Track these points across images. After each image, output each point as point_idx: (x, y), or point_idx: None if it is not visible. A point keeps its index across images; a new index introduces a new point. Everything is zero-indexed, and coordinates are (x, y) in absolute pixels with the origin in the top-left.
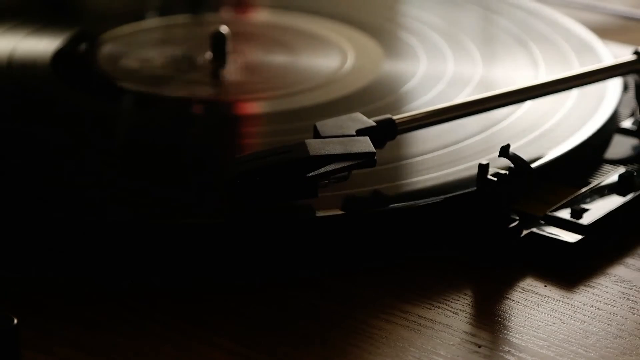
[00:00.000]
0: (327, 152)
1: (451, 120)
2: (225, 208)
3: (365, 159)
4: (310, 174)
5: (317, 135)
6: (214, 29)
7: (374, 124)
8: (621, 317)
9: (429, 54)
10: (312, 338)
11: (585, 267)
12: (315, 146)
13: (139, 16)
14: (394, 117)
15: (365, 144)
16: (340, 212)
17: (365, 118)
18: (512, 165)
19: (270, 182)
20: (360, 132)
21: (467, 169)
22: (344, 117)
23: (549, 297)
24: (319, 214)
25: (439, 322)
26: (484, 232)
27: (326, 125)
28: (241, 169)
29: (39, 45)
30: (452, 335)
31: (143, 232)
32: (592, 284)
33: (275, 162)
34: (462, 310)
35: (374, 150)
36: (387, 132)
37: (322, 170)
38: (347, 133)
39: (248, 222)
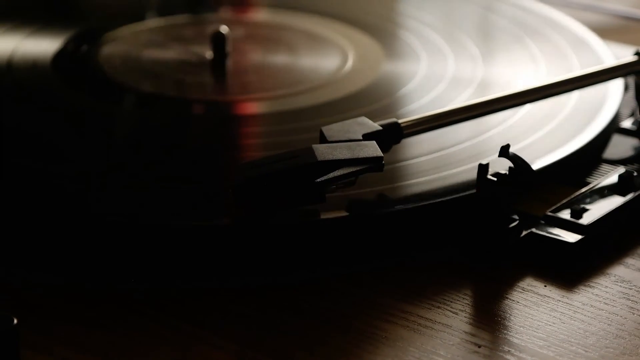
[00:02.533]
0: (335, 157)
1: (456, 123)
2: (228, 210)
3: (373, 163)
4: (319, 180)
5: (323, 140)
6: (214, 29)
7: (380, 128)
8: (621, 317)
9: (430, 54)
10: (313, 338)
11: (585, 267)
12: (323, 151)
13: (139, 17)
14: (400, 121)
15: (372, 149)
16: (341, 215)
17: (371, 122)
18: (512, 165)
19: (278, 188)
20: (367, 137)
21: (468, 170)
22: (350, 122)
23: (548, 297)
24: (320, 216)
25: (439, 322)
26: (484, 232)
27: (332, 129)
28: (248, 175)
29: (39, 45)
30: (452, 335)
31: (144, 233)
32: (592, 284)
33: (282, 168)
34: (462, 310)
35: (382, 155)
36: (393, 136)
37: (331, 175)
38: (354, 137)
39: (251, 223)
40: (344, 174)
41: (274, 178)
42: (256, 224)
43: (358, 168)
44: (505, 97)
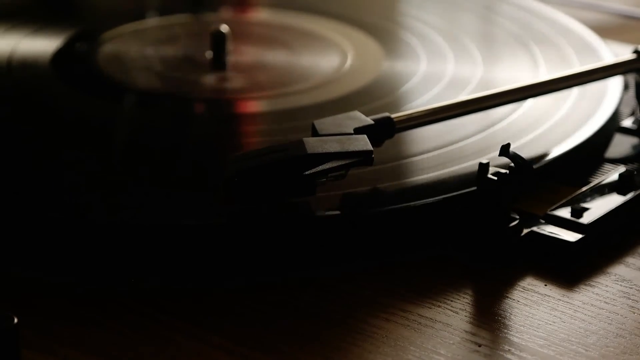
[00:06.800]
0: (324, 150)
1: (450, 118)
2: (224, 208)
3: (363, 157)
4: (307, 172)
5: (315, 133)
6: (214, 28)
7: (372, 122)
8: (621, 316)
9: (429, 53)
10: (313, 337)
11: (586, 266)
12: (313, 144)
13: (139, 16)
14: (392, 116)
15: (362, 142)
16: (340, 212)
17: (363, 116)
18: (512, 164)
19: (268, 180)
20: (358, 131)
21: (468, 167)
22: (342, 116)
23: (549, 296)
24: (318, 213)
25: (439, 321)
26: (484, 231)
27: (324, 123)
28: (239, 166)
29: (39, 45)
30: (453, 335)
31: (143, 233)
32: (592, 283)
33: (273, 160)
34: (463, 309)
35: (372, 149)
36: (385, 130)
37: (320, 168)
38: (345, 131)
39: (247, 222)
40: (333, 167)
41: (264, 170)
42: (255, 223)
43: (347, 161)
44: (502, 93)
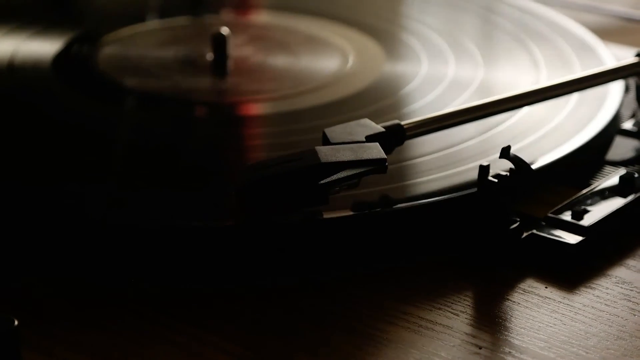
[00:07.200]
0: (338, 159)
1: (458, 124)
2: (230, 212)
3: (377, 165)
4: (322, 182)
5: (326, 141)
6: (215, 31)
7: (383, 129)
8: (622, 318)
9: (431, 55)
10: (314, 340)
11: (586, 268)
12: (326, 153)
13: (139, 18)
14: (402, 123)
15: (376, 150)
16: (341, 214)
17: (373, 124)
18: (512, 166)
19: (281, 190)
20: (370, 138)
21: (468, 170)
22: (353, 123)
23: (549, 298)
24: (319, 216)
25: (440, 324)
26: (484, 233)
27: (335, 131)
28: (252, 177)
29: (40, 47)
30: (453, 337)
31: (146, 235)
32: (592, 285)
33: (286, 170)
34: (463, 312)
35: (385, 157)
36: (396, 137)
37: (334, 177)
38: (357, 139)
39: (249, 224)
40: (347, 176)
41: (278, 180)
42: (258, 225)
43: (361, 170)
44: (507, 98)
